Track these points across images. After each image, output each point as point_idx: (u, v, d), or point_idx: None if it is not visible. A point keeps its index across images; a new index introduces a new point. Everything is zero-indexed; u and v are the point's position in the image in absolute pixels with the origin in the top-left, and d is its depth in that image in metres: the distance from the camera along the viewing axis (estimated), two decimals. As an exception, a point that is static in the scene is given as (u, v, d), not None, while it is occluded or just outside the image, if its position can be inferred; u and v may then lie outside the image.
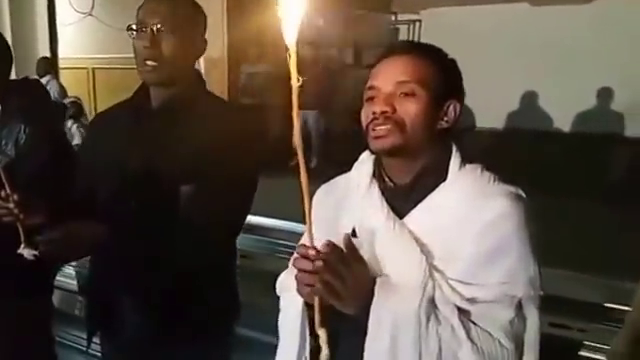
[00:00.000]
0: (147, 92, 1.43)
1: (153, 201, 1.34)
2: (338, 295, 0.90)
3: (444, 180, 1.04)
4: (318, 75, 6.54)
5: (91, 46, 7.60)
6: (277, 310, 1.15)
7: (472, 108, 5.73)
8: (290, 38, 0.79)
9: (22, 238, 1.31)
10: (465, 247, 0.98)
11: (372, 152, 1.11)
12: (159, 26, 1.32)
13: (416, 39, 8.56)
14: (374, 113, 1.03)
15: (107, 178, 1.42)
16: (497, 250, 0.97)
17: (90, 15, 7.66)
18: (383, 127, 1.02)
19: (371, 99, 1.05)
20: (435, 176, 1.05)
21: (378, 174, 1.10)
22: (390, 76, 1.04)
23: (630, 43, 6.23)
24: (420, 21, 8.63)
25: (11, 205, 1.27)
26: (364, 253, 0.99)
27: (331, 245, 0.91)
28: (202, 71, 6.70)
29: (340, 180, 1.20)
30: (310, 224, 0.85)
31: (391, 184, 1.08)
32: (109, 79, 7.32)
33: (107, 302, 1.50)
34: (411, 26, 8.95)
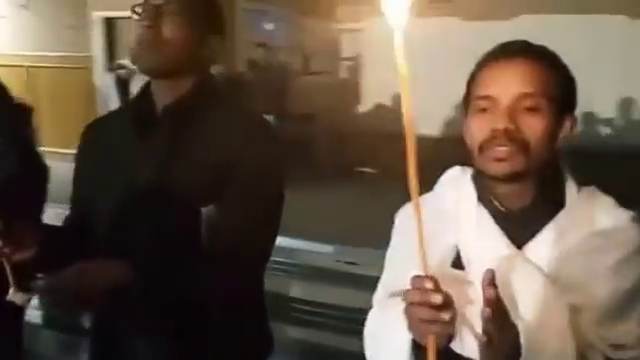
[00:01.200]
0: (149, 96, 1.26)
1: (168, 227, 1.18)
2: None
3: (562, 206, 0.96)
4: (273, 79, 6.41)
5: (27, 43, 7.13)
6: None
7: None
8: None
9: (10, 280, 1.09)
10: (598, 284, 0.90)
11: (477, 173, 1.00)
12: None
13: (360, 48, 8.90)
14: (494, 131, 0.90)
15: (109, 202, 1.24)
16: (634, 289, 0.92)
17: (25, 9, 7.21)
18: (505, 148, 0.90)
19: (484, 111, 0.93)
20: (552, 202, 0.97)
21: (484, 197, 0.98)
22: (511, 86, 0.91)
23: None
24: (361, 30, 8.86)
25: None
26: (476, 288, 0.86)
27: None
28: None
29: (428, 200, 1.01)
30: (424, 252, 0.75)
31: (502, 209, 0.97)
32: (48, 78, 6.89)
33: (117, 345, 1.28)
34: (352, 34, 9.11)
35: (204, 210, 1.17)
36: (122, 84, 6.43)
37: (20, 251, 1.09)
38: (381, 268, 1.11)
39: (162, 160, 1.19)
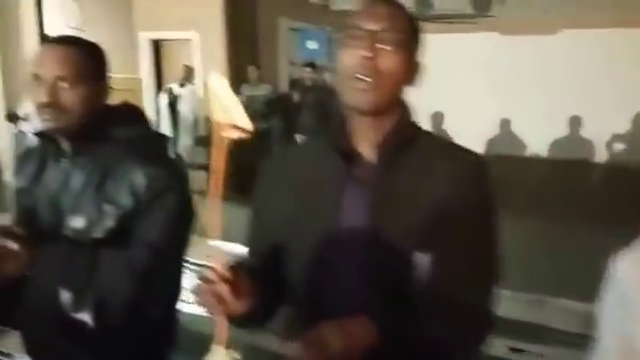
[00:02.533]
0: (343, 128, 1.11)
1: (380, 275, 1.05)
2: None
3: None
4: (320, 98, 6.40)
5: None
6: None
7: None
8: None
9: None
10: None
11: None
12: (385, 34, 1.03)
13: None
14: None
15: (307, 246, 1.09)
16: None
17: (81, 31, 7.43)
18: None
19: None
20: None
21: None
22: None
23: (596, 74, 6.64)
24: None
25: None
26: None
27: None
28: (200, 93, 6.33)
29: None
30: None
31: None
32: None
33: None
34: None
35: (420, 257, 1.04)
36: (171, 107, 6.51)
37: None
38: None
39: (374, 201, 1.06)
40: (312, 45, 7.59)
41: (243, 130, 0.95)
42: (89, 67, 1.25)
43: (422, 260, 1.03)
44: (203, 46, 6.77)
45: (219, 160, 0.94)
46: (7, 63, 5.01)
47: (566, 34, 6.85)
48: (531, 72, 6.95)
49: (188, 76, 6.72)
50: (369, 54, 0.99)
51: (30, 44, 5.25)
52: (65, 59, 1.22)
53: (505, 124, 7.42)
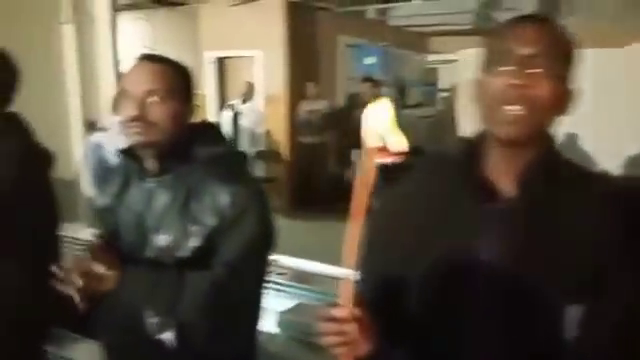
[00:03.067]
0: (477, 157, 1.00)
1: (523, 328, 0.92)
2: None
3: None
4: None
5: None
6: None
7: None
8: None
9: None
10: None
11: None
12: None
13: (453, 78, 8.91)
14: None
15: (432, 286, 0.98)
16: None
17: (152, 50, 7.79)
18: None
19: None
20: None
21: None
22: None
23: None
24: (456, 61, 8.83)
25: None
26: None
27: None
28: (260, 109, 6.52)
29: None
30: None
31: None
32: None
33: None
34: (448, 66, 9.05)
35: (570, 308, 0.90)
36: (233, 122, 6.73)
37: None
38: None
39: (515, 241, 0.93)
40: (369, 60, 7.69)
41: (398, 154, 0.88)
42: (177, 84, 1.26)
43: (572, 312, 0.89)
44: (265, 63, 7.02)
45: (364, 187, 0.88)
46: (84, 79, 5.35)
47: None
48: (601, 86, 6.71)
49: (249, 92, 6.95)
50: (520, 81, 0.88)
51: (106, 62, 5.58)
52: (155, 74, 1.24)
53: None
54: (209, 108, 7.61)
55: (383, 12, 8.62)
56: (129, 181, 1.37)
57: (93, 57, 5.51)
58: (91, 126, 5.20)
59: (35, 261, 1.58)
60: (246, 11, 6.99)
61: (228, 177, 1.28)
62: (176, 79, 1.28)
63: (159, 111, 1.23)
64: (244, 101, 6.92)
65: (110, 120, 5.54)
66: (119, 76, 6.10)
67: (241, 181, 1.30)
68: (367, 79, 6.59)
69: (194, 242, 1.26)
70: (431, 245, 0.97)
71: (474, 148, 1.00)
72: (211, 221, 1.25)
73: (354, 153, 6.51)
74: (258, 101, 6.96)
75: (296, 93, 6.90)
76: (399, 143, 0.87)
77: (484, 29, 8.78)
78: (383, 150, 0.87)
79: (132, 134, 1.23)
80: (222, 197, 1.25)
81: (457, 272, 0.94)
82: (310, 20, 7.23)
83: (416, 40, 9.21)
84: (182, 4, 7.60)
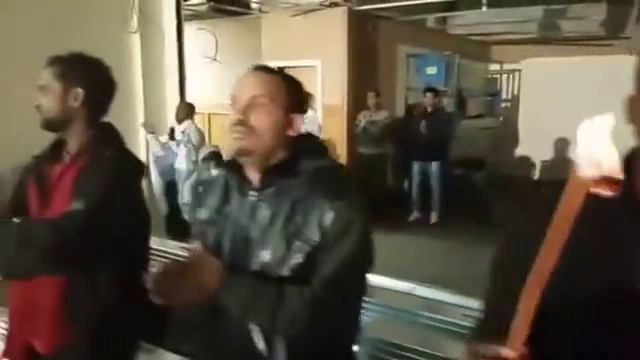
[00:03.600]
0: (630, 177, 0.89)
1: None
2: None
3: None
4: (440, 122, 6.28)
5: (210, 92, 7.85)
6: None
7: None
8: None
9: None
10: None
11: None
12: None
13: (515, 89, 8.56)
14: None
15: (580, 322, 0.88)
16: None
17: (215, 60, 7.96)
18: None
19: None
20: None
21: None
22: None
23: None
24: (520, 71, 8.47)
25: None
26: None
27: None
28: (319, 119, 6.51)
29: None
30: None
31: None
32: (223, 124, 7.44)
33: None
34: (510, 76, 8.99)
35: None
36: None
37: None
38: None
39: None
40: (431, 70, 7.55)
41: (613, 182, 0.72)
42: (283, 95, 1.25)
43: None
44: (324, 73, 7.00)
45: (566, 221, 0.74)
46: (151, 88, 5.47)
47: None
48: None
49: (308, 102, 6.95)
50: None
51: (172, 71, 5.69)
52: (262, 82, 1.25)
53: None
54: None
55: (444, 20, 8.47)
56: (229, 194, 1.35)
57: (160, 66, 5.64)
58: (157, 135, 5.32)
59: (127, 272, 1.62)
60: (307, 21, 7.01)
61: (332, 192, 1.25)
62: (283, 89, 1.27)
63: (261, 117, 1.23)
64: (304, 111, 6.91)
65: (177, 129, 5.67)
66: (183, 85, 6.25)
67: (345, 197, 1.26)
68: (429, 89, 6.47)
69: (297, 258, 1.23)
70: (580, 272, 0.87)
71: (629, 166, 0.87)
72: (315, 237, 1.22)
73: (417, 165, 6.40)
74: (317, 111, 6.95)
75: (356, 103, 6.86)
76: (614, 169, 0.70)
77: (548, 38, 8.49)
78: (601, 181, 0.71)
79: (233, 139, 1.23)
80: (326, 213, 1.22)
81: (619, 297, 0.85)
82: (371, 29, 7.18)
83: (477, 49, 9.01)
84: (245, 14, 7.70)
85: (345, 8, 6.90)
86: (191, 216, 1.44)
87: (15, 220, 1.60)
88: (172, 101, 6.00)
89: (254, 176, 1.29)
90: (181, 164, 5.67)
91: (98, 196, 1.54)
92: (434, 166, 6.36)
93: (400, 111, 7.58)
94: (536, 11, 7.58)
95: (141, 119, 5.10)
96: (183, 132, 5.68)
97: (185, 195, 5.48)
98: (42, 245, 1.50)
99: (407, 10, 7.34)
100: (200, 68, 7.91)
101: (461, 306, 2.86)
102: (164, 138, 5.47)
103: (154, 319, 1.81)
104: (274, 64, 6.40)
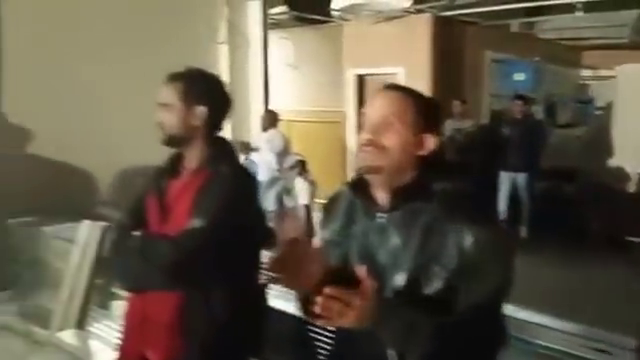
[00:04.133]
0: None
1: None
2: None
3: None
4: (530, 131, 6.01)
5: (289, 98, 7.92)
6: None
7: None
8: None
9: None
10: None
11: None
12: None
13: (609, 96, 8.07)
14: None
15: None
16: None
17: (295, 68, 8.02)
18: None
19: None
20: None
21: None
22: None
23: None
24: (614, 77, 7.97)
25: None
26: None
27: None
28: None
29: None
30: None
31: None
32: (305, 132, 7.46)
33: None
34: (604, 82, 8.50)
35: None
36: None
37: None
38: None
39: None
40: (519, 77, 7.27)
41: None
42: (414, 115, 1.22)
43: None
44: (407, 80, 6.89)
45: None
46: (236, 98, 5.57)
47: None
48: None
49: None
50: None
51: (256, 81, 5.75)
52: (392, 101, 1.22)
53: None
54: (348, 126, 7.62)
55: (530, 25, 8.15)
56: (354, 215, 1.31)
57: (244, 76, 5.74)
58: (244, 146, 5.39)
59: (241, 288, 1.64)
60: (390, 27, 6.93)
61: (469, 214, 1.18)
62: (414, 109, 1.23)
63: (390, 137, 1.21)
64: (385, 118, 6.82)
65: (260, 139, 5.73)
66: (268, 94, 6.33)
67: (483, 219, 1.20)
68: (518, 97, 6.22)
69: (436, 284, 1.17)
70: None
71: None
72: (454, 262, 1.16)
73: (504, 175, 6.15)
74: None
75: (441, 112, 6.68)
76: None
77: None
78: None
79: (361, 158, 1.21)
80: (465, 236, 1.15)
81: None
82: (457, 35, 7.00)
83: (568, 54, 8.60)
84: (326, 22, 7.71)
85: (430, 14, 6.77)
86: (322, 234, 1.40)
87: (136, 234, 1.63)
88: (255, 110, 6.09)
89: (382, 197, 1.25)
90: (264, 173, 5.71)
91: (217, 214, 1.55)
92: (523, 177, 6.08)
93: (485, 118, 7.34)
94: (628, 15, 7.16)
95: (228, 129, 5.19)
96: (268, 140, 5.72)
97: (270, 203, 5.52)
98: (163, 261, 1.53)
99: (492, 15, 7.11)
100: (280, 76, 8.00)
101: (562, 331, 2.62)
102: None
103: (258, 334, 1.80)
104: (355, 72, 6.36)
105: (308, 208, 5.76)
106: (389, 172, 1.21)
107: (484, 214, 1.24)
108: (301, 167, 5.73)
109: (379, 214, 1.24)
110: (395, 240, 1.21)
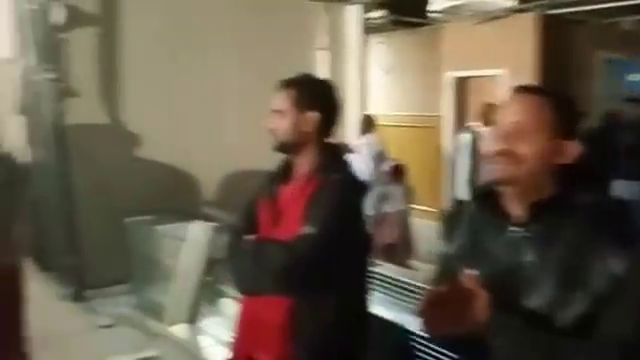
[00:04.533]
0: None
1: None
2: None
3: None
4: None
5: (383, 103, 7.84)
6: None
7: None
8: None
9: None
10: None
11: None
12: None
13: None
14: None
15: None
16: None
17: (389, 73, 7.98)
18: None
19: None
20: None
21: None
22: None
23: None
24: None
25: None
26: None
27: None
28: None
29: None
30: None
31: None
32: (399, 136, 7.33)
33: None
34: None
35: None
36: (472, 147, 6.48)
37: None
38: None
39: None
40: (634, 77, 6.77)
41: None
42: (551, 119, 1.13)
43: None
44: (510, 82, 6.61)
45: None
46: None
47: None
48: None
49: (490, 114, 6.61)
50: None
51: (354, 85, 5.76)
52: (525, 105, 1.14)
53: None
54: (445, 130, 7.45)
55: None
56: (481, 228, 1.23)
57: (342, 81, 5.77)
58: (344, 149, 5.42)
59: (350, 295, 1.65)
60: (493, 28, 6.69)
61: (619, 235, 1.09)
62: (551, 113, 1.14)
63: (525, 144, 1.12)
64: (485, 123, 6.59)
65: (359, 142, 5.74)
66: (365, 98, 6.33)
67: (634, 240, 1.09)
68: (632, 99, 5.79)
69: (577, 309, 1.08)
70: None
71: None
72: (601, 287, 1.06)
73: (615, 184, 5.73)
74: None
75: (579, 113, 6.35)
76: None
77: None
78: None
79: (492, 169, 1.14)
80: (615, 259, 1.06)
81: None
82: (564, 34, 6.63)
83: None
84: (424, 25, 7.58)
85: (534, 13, 6.46)
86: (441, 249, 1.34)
87: (249, 238, 1.67)
88: (352, 115, 6.10)
89: (516, 209, 1.16)
90: (361, 176, 5.70)
91: (328, 221, 1.56)
92: (638, 186, 5.64)
93: (594, 121, 6.89)
94: None
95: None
96: (366, 144, 5.72)
97: (367, 208, 5.50)
98: (276, 266, 1.56)
99: (602, 13, 6.65)
100: (376, 81, 7.97)
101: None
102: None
103: (363, 340, 1.78)
104: (455, 74, 6.19)
105: (405, 214, 5.68)
106: (525, 183, 1.13)
107: (633, 232, 1.11)
108: (398, 172, 5.66)
109: (512, 228, 1.16)
110: (532, 257, 1.13)
